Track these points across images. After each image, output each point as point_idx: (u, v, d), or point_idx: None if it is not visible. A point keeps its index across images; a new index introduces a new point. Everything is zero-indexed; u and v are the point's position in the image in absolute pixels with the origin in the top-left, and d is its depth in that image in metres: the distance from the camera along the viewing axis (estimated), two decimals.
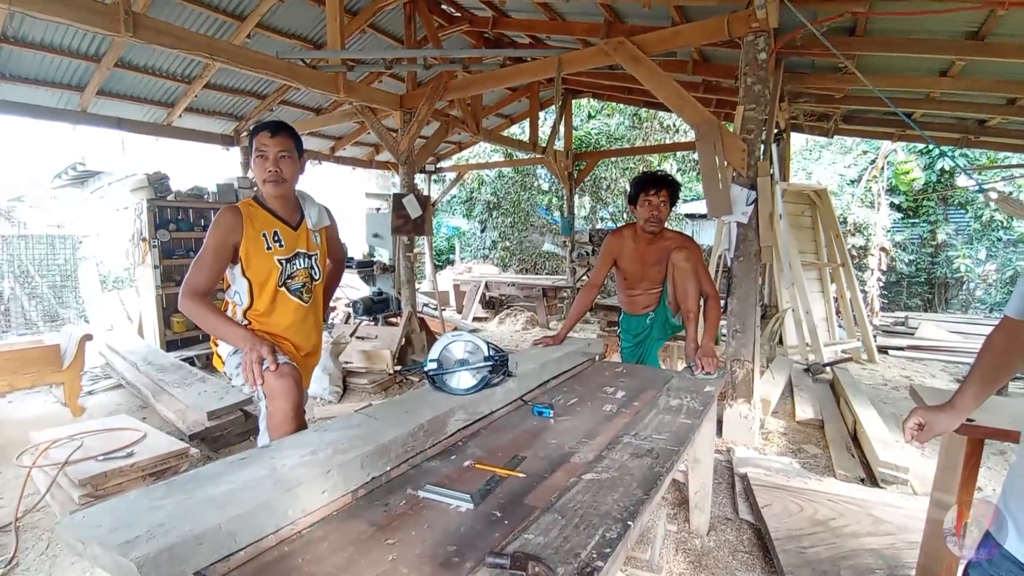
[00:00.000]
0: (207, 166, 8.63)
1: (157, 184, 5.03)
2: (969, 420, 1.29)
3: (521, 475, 1.22)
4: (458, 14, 5.12)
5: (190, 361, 4.56)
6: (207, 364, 4.66)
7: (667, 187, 2.52)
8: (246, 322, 1.80)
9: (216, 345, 1.88)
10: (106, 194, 10.82)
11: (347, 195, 14.10)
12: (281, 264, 1.81)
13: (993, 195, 4.33)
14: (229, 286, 1.83)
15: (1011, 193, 7.16)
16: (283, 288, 1.82)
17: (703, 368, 2.11)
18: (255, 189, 5.45)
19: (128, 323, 7.34)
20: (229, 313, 1.83)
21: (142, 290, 5.34)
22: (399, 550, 0.93)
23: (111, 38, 3.71)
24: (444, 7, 5.05)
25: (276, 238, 1.80)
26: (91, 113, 4.82)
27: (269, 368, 1.59)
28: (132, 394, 4.08)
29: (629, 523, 1.00)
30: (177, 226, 5.20)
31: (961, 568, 1.14)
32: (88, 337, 3.77)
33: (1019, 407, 1.50)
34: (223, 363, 1.85)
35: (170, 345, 5.04)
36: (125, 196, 5.86)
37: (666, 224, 2.65)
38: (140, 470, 2.30)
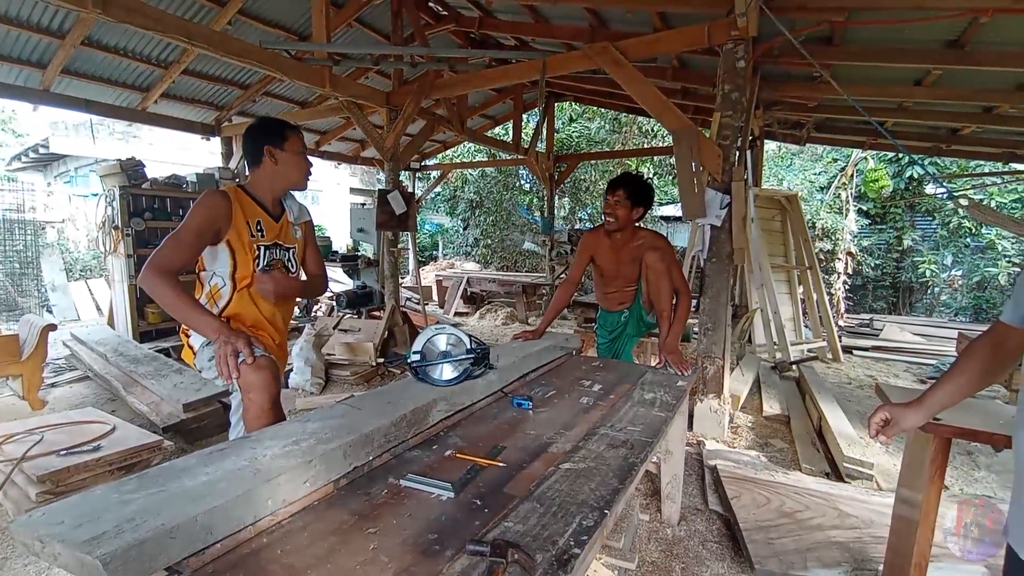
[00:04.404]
0: (184, 163, 8.40)
1: (131, 171, 4.86)
2: (936, 419, 1.31)
3: (501, 464, 1.24)
4: (445, 13, 5.10)
5: (165, 352, 4.42)
6: (182, 356, 4.53)
7: (623, 187, 2.56)
8: (218, 309, 1.76)
9: (187, 336, 1.82)
10: (73, 179, 10.42)
11: (331, 190, 13.96)
12: (260, 251, 1.80)
13: (964, 202, 4.49)
14: (204, 268, 1.79)
15: (982, 200, 7.45)
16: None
17: (675, 367, 2.18)
18: (237, 180, 5.36)
19: (97, 313, 7.10)
20: (205, 299, 1.78)
21: (114, 280, 5.17)
22: (380, 539, 0.93)
23: (77, 13, 3.51)
24: (431, 5, 5.03)
25: (259, 227, 1.80)
26: (55, 93, 4.57)
27: (245, 361, 1.54)
28: (100, 386, 3.95)
29: (605, 511, 1.03)
30: (153, 215, 5.02)
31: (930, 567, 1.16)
32: (51, 327, 3.63)
33: (993, 408, 1.50)
34: (194, 355, 1.80)
35: (144, 336, 4.89)
36: (95, 182, 5.66)
37: (642, 225, 2.72)
38: (108, 464, 2.21)
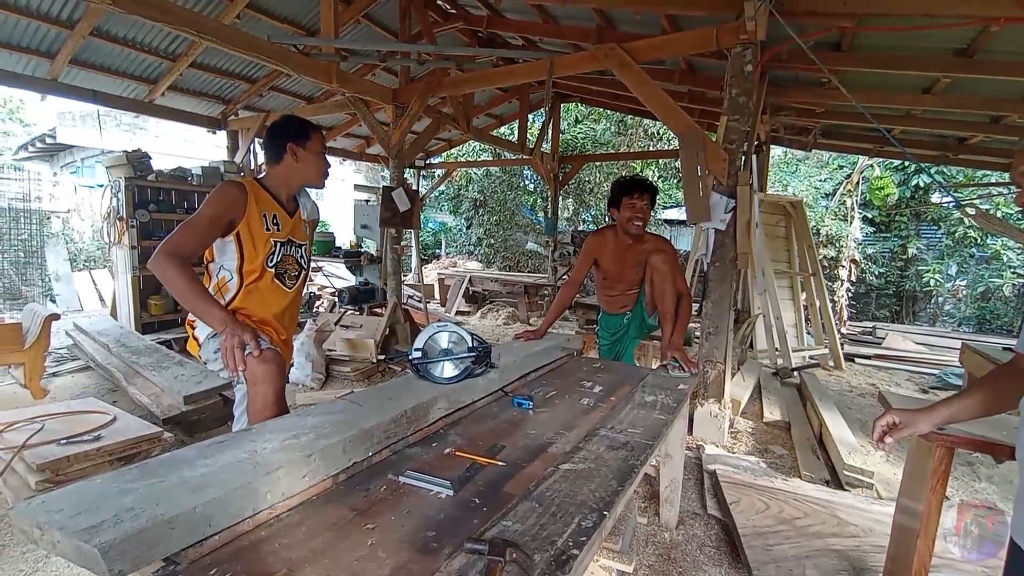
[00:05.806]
0: (190, 156, 8.42)
1: (137, 162, 4.88)
2: (939, 429, 1.31)
3: (500, 464, 1.24)
4: (453, 11, 5.11)
5: (167, 344, 4.43)
6: (185, 348, 4.53)
7: (648, 192, 2.59)
8: (224, 302, 1.75)
9: (193, 328, 1.81)
10: (79, 169, 10.46)
11: (335, 186, 13.98)
12: (275, 247, 1.81)
13: (971, 211, 4.47)
14: (212, 260, 1.79)
15: (988, 210, 7.42)
16: (271, 270, 1.82)
17: (680, 365, 2.17)
18: (242, 174, 5.36)
19: (100, 304, 7.13)
20: (212, 291, 1.77)
21: (117, 271, 5.18)
22: (378, 535, 0.93)
23: (87, 3, 3.55)
24: (440, 3, 5.04)
25: (275, 221, 1.81)
26: (63, 83, 4.59)
27: (252, 353, 1.54)
28: (102, 377, 3.96)
29: (604, 513, 1.02)
30: (158, 207, 5.03)
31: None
32: (54, 316, 3.64)
33: (996, 419, 1.45)
34: (199, 347, 1.79)
35: (146, 328, 4.90)
36: (100, 173, 5.68)
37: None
38: (108, 454, 2.21)
